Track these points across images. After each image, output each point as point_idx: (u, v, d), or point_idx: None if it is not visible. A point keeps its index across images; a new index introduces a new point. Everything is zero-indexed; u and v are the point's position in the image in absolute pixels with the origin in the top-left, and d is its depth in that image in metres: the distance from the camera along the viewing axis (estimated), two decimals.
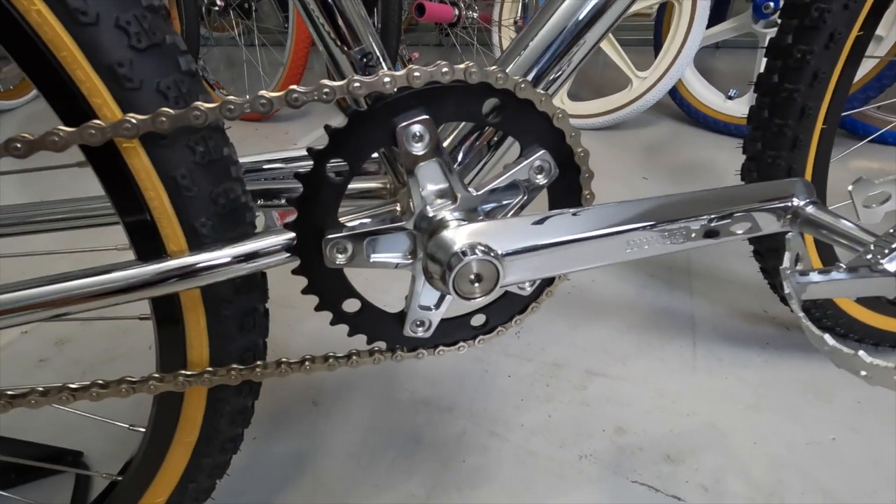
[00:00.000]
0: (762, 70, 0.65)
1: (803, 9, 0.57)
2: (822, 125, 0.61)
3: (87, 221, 0.56)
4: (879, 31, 1.36)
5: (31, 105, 2.37)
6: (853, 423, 0.78)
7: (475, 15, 1.97)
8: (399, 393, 0.87)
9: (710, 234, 0.44)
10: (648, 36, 1.91)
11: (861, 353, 0.31)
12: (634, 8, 1.63)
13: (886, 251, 0.34)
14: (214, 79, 2.15)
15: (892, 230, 0.36)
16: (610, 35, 1.77)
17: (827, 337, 0.33)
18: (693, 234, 0.43)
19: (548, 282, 0.48)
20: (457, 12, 1.87)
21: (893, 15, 1.33)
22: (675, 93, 1.82)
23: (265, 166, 0.52)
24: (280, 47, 1.95)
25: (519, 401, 0.85)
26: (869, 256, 0.35)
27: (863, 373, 0.31)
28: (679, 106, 1.85)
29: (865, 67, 1.39)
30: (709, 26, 1.74)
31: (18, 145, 0.33)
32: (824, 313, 0.76)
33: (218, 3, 1.83)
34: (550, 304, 1.03)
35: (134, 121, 0.34)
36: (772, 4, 1.57)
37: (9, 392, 0.41)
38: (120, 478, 0.56)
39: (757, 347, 0.92)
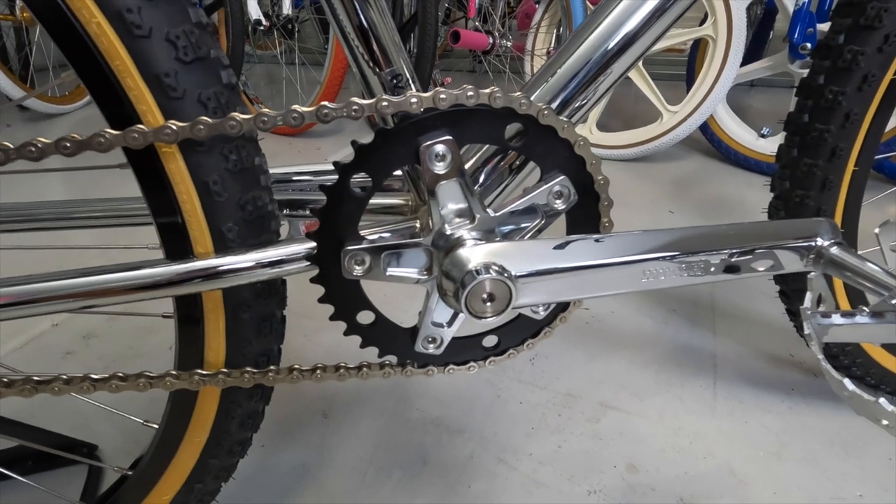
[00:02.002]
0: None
1: (836, 50, 0.56)
2: (853, 167, 0.60)
3: (122, 220, 0.58)
4: None
5: (83, 110, 2.52)
6: (883, 480, 0.74)
7: (509, 44, 2.01)
8: (410, 411, 0.86)
9: (731, 269, 0.43)
10: (682, 71, 1.92)
11: (882, 400, 0.30)
12: (669, 42, 1.63)
13: None
14: (254, 94, 2.25)
15: None
16: (642, 68, 1.79)
17: (847, 381, 0.32)
18: (713, 269, 0.43)
19: (562, 307, 0.48)
20: (491, 40, 1.91)
21: None
22: (707, 129, 1.81)
23: (294, 178, 0.54)
24: (319, 67, 2.02)
25: (529, 429, 0.83)
26: (894, 301, 0.34)
27: (884, 422, 0.30)
28: (710, 142, 1.84)
29: None
30: (745, 63, 1.74)
31: (68, 144, 0.35)
32: (854, 361, 0.73)
33: (263, 23, 1.92)
34: (567, 333, 1.03)
35: (174, 127, 0.36)
36: (809, 45, 1.55)
37: (35, 378, 0.43)
38: (130, 472, 0.57)
39: (781, 393, 0.88)
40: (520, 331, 0.49)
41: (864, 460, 0.76)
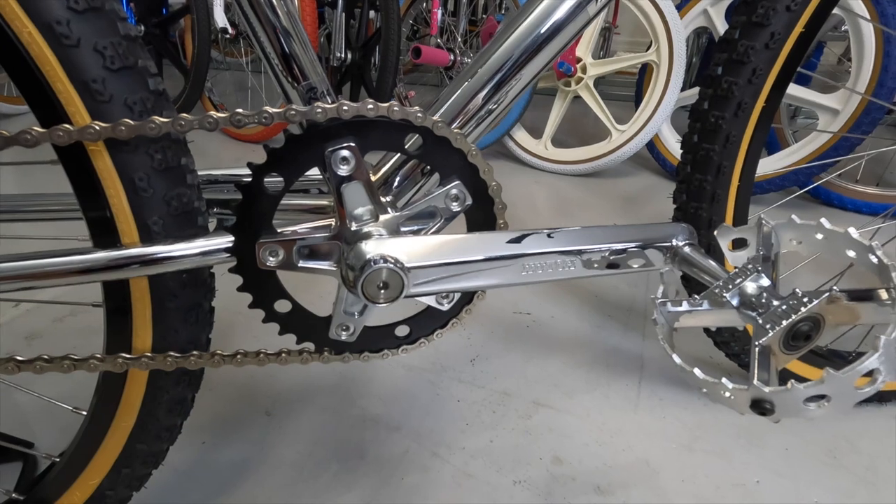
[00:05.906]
0: None
1: (716, 80, 0.64)
2: (737, 182, 0.68)
3: (69, 214, 0.61)
4: (836, 106, 1.45)
5: None
6: (779, 468, 0.81)
7: (469, 60, 2.09)
8: (351, 409, 0.90)
9: (611, 265, 0.49)
10: (632, 92, 2.03)
11: (696, 370, 0.36)
12: (620, 66, 1.75)
13: (731, 286, 0.40)
14: (220, 101, 2.26)
15: (736, 269, 0.41)
16: (592, 89, 1.89)
17: (675, 356, 0.37)
18: (596, 265, 0.48)
19: (467, 300, 0.53)
20: (452, 57, 1.99)
21: (847, 93, 1.43)
22: (653, 147, 1.92)
23: (222, 179, 0.58)
24: None
25: (464, 425, 0.87)
26: (717, 291, 0.40)
27: (703, 390, 0.36)
28: (656, 160, 1.94)
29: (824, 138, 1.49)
30: (692, 87, 1.86)
31: None
32: (742, 348, 0.80)
33: (229, 31, 1.95)
34: (508, 337, 1.08)
35: (97, 127, 0.40)
36: None
37: None
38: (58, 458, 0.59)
39: (698, 391, 0.95)
40: (429, 321, 0.54)
41: (764, 450, 0.84)
